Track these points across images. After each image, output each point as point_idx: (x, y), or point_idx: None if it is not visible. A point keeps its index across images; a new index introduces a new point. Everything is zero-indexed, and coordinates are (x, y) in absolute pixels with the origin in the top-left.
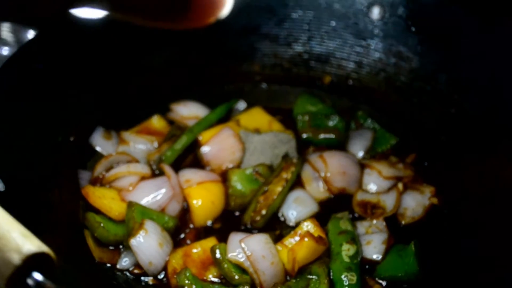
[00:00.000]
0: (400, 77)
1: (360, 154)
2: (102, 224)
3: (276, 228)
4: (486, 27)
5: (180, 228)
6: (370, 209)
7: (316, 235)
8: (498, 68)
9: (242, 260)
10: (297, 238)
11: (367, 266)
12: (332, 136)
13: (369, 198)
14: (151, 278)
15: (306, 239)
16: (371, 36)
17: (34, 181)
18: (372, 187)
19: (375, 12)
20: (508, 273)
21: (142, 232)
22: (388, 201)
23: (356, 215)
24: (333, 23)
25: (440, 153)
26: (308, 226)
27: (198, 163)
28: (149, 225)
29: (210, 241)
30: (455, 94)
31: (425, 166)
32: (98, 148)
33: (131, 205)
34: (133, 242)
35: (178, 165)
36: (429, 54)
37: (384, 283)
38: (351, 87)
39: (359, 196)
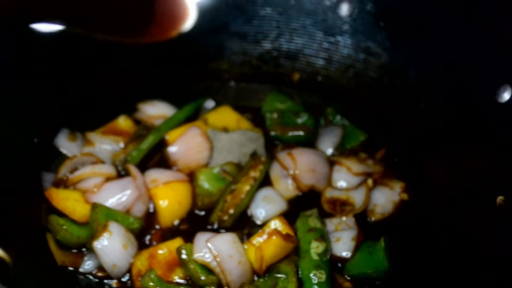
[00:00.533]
0: (369, 72)
1: (330, 151)
2: (65, 227)
3: (244, 227)
4: (454, 20)
5: (146, 229)
6: (340, 206)
7: (284, 233)
8: (467, 62)
9: (208, 260)
10: (265, 236)
11: (338, 264)
12: (301, 133)
13: (338, 195)
14: (115, 281)
15: (274, 237)
16: (340, 32)
17: None
18: (342, 183)
19: (344, 9)
20: (478, 269)
21: (106, 234)
22: (357, 198)
23: (325, 212)
24: (302, 20)
25: (410, 148)
26: (276, 224)
27: (165, 163)
28: (114, 226)
29: (176, 242)
30: (424, 89)
31: (395, 162)
32: (62, 150)
33: (95, 206)
34: (96, 244)
35: (144, 165)
36: (398, 49)
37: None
38: (321, 83)
39: (328, 193)
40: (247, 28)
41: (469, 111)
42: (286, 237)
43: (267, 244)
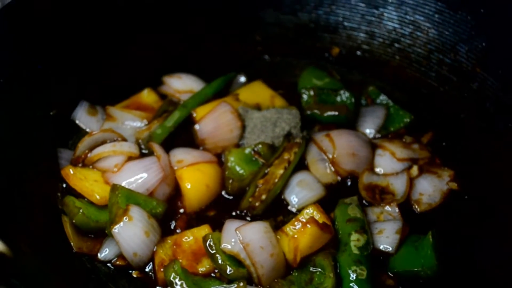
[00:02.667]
0: (415, 49)
1: (371, 133)
2: (82, 210)
3: (278, 215)
4: None
5: (170, 214)
6: (379, 194)
7: (320, 221)
8: None
9: (238, 251)
10: (299, 225)
11: (381, 258)
12: (340, 113)
13: (377, 181)
14: (135, 271)
15: (309, 225)
16: (384, 4)
17: (7, 160)
18: (385, 170)
19: None
20: None
21: (126, 219)
22: (398, 185)
23: (365, 201)
24: None
25: (460, 132)
26: (311, 211)
27: (192, 142)
28: (135, 211)
29: (203, 229)
30: (477, 67)
31: (443, 147)
32: (81, 125)
33: (115, 188)
34: (115, 230)
35: (169, 144)
36: (448, 23)
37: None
38: (362, 59)
39: (366, 179)
40: None
41: None
42: (322, 226)
43: (302, 234)
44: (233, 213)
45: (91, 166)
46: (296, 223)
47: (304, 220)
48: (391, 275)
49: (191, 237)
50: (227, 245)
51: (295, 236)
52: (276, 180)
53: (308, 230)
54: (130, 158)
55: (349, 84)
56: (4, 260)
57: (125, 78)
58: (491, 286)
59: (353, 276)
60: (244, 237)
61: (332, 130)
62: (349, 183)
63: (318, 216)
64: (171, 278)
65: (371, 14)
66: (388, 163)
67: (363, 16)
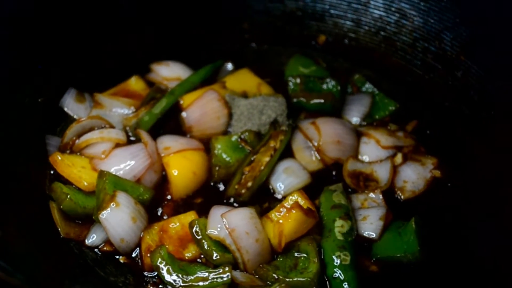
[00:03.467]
0: (401, 37)
1: (357, 121)
2: (69, 196)
3: (264, 202)
4: None
5: (157, 201)
6: (363, 182)
7: (305, 207)
8: (507, 28)
9: (223, 236)
10: (284, 210)
11: (364, 245)
12: (326, 101)
13: (361, 168)
14: (122, 256)
15: (293, 211)
16: None
17: None
18: (369, 157)
19: None
20: None
21: (113, 205)
22: (382, 173)
23: (349, 189)
24: None
25: (445, 120)
26: (296, 198)
27: (179, 129)
28: (122, 197)
29: (190, 216)
30: (462, 55)
31: (427, 135)
32: (69, 112)
33: (102, 174)
34: (103, 215)
35: (157, 131)
36: (433, 11)
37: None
38: (348, 47)
39: (350, 166)
40: None
41: (510, 81)
42: (307, 211)
43: (286, 219)
44: (220, 200)
45: (78, 153)
46: (281, 209)
47: (288, 206)
48: (375, 260)
49: (178, 223)
50: (213, 231)
51: (280, 221)
52: (262, 167)
53: (292, 215)
54: (117, 145)
55: (335, 72)
56: None
57: (112, 65)
58: (472, 270)
59: (337, 261)
60: (229, 223)
61: (318, 118)
62: (334, 171)
63: (303, 202)
64: (158, 263)
65: (357, 2)
66: (373, 150)
67: (349, 4)
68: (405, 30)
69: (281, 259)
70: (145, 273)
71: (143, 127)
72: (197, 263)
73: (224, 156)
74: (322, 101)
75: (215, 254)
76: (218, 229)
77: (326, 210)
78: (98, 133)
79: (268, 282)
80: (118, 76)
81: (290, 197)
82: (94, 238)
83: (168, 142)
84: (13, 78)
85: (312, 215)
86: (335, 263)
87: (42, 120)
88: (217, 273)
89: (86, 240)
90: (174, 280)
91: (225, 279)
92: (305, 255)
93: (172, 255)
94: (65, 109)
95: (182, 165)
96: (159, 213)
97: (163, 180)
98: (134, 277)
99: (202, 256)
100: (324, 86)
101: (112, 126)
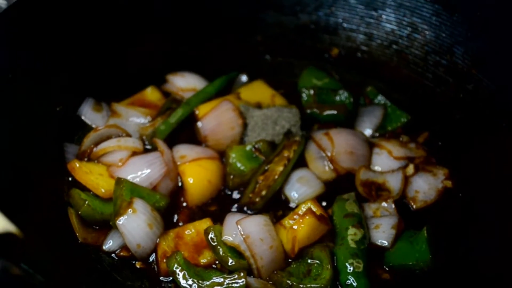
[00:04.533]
0: (413, 50)
1: (369, 132)
2: (87, 202)
3: (277, 210)
4: None
5: (173, 208)
6: (375, 191)
7: (318, 213)
8: None
9: (238, 243)
10: (297, 217)
11: (377, 253)
12: (339, 112)
13: (373, 178)
14: (139, 262)
15: (307, 216)
16: (383, 6)
17: (15, 154)
18: (382, 168)
19: None
20: None
21: (130, 211)
22: (394, 182)
23: (362, 198)
24: None
25: (455, 132)
26: (309, 205)
27: (195, 138)
28: (138, 203)
29: (205, 223)
30: (473, 69)
31: (439, 146)
32: (87, 120)
33: (119, 181)
34: (120, 221)
35: (172, 140)
36: (445, 26)
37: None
38: (361, 60)
39: (363, 175)
40: None
41: None
42: (320, 217)
43: (300, 224)
44: (234, 208)
45: (96, 161)
46: (294, 216)
47: (301, 213)
48: (387, 268)
49: (193, 230)
50: (228, 237)
51: (294, 227)
52: (276, 176)
53: (306, 221)
54: (134, 153)
55: (348, 84)
56: (15, 241)
57: (129, 76)
58: (483, 280)
59: (350, 268)
60: (244, 229)
61: (331, 129)
62: (347, 181)
63: (316, 209)
64: (174, 269)
65: (369, 16)
66: (385, 161)
67: (362, 18)
68: (417, 44)
69: (294, 266)
70: (161, 278)
71: (160, 136)
72: (212, 268)
73: (239, 165)
74: (335, 112)
75: (230, 260)
76: (233, 236)
77: (339, 218)
78: (115, 142)
79: None
80: (135, 86)
81: (303, 205)
82: (111, 244)
83: (184, 151)
84: (33, 88)
85: (325, 221)
86: (348, 270)
87: (61, 128)
88: (232, 278)
89: (103, 246)
90: (190, 285)
91: (240, 284)
92: (318, 261)
93: (188, 261)
94: (83, 118)
95: (198, 173)
96: (174, 220)
97: (179, 188)
98: (150, 282)
99: (217, 262)
100: (337, 98)
101: (129, 135)
